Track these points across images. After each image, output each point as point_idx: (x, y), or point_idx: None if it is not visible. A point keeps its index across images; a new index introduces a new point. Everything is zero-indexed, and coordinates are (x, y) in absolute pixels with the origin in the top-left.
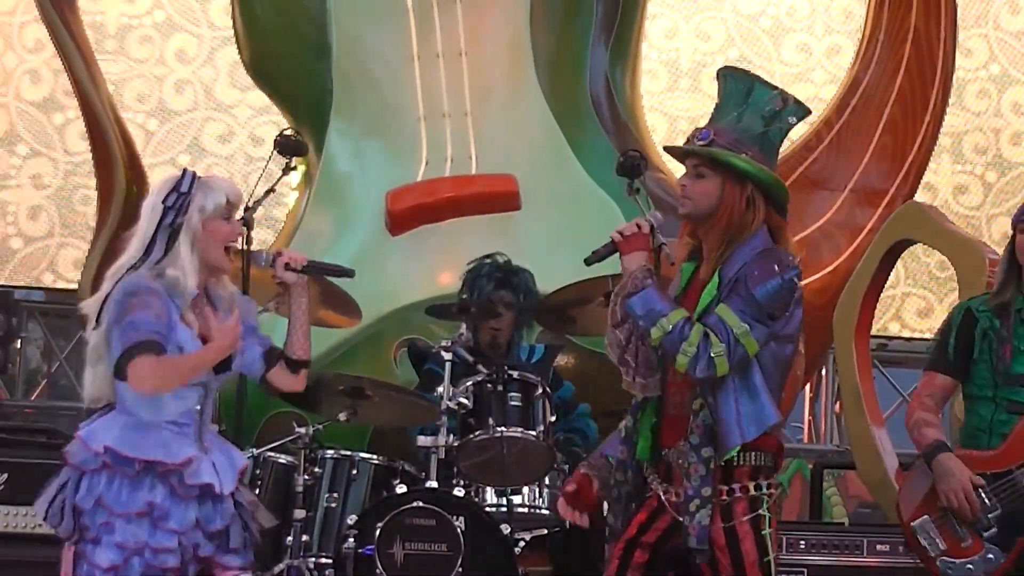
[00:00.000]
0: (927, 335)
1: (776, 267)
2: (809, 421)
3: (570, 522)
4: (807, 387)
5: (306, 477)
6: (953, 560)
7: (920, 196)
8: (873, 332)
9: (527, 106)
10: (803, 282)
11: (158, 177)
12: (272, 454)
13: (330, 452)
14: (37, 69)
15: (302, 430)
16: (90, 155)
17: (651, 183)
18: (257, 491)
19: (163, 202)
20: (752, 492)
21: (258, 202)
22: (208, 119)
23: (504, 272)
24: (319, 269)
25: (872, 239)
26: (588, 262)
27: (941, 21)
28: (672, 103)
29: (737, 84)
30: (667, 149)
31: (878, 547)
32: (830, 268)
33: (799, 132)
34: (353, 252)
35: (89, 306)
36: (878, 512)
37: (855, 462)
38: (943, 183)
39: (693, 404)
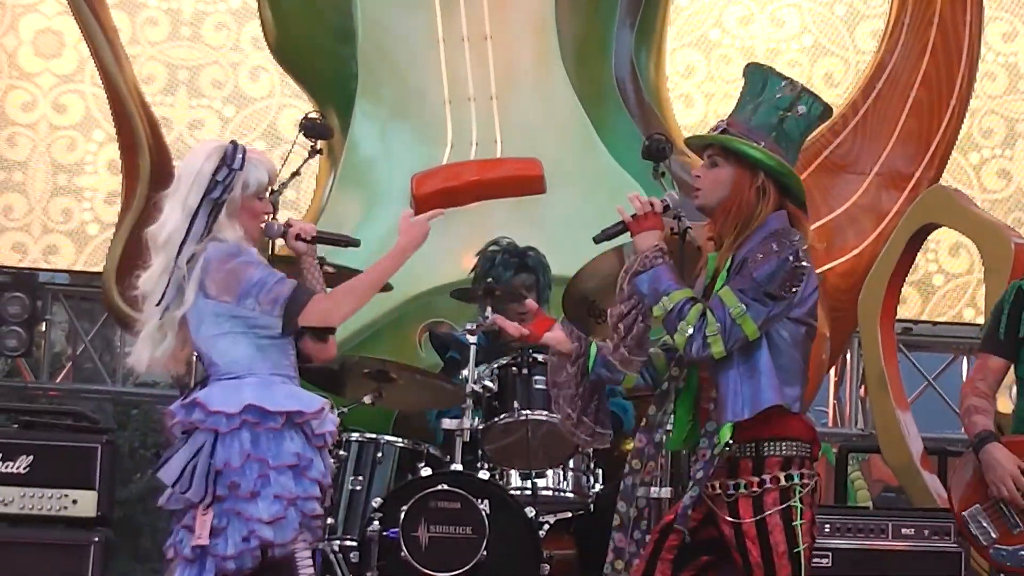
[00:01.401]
0: None
1: (775, 247)
2: (834, 405)
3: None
4: (832, 371)
5: (331, 460)
6: (1006, 548)
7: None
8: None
9: (553, 89)
10: (829, 265)
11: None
12: None
13: (355, 435)
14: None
15: None
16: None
17: (676, 166)
18: None
19: (213, 175)
20: (783, 483)
21: (284, 185)
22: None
23: (518, 255)
24: (327, 240)
25: (897, 223)
26: (597, 240)
27: (967, 5)
28: None
29: (754, 78)
30: (686, 142)
31: (903, 531)
32: (855, 252)
33: None
34: (378, 235)
35: (150, 282)
36: (902, 496)
37: (880, 446)
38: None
39: (712, 394)
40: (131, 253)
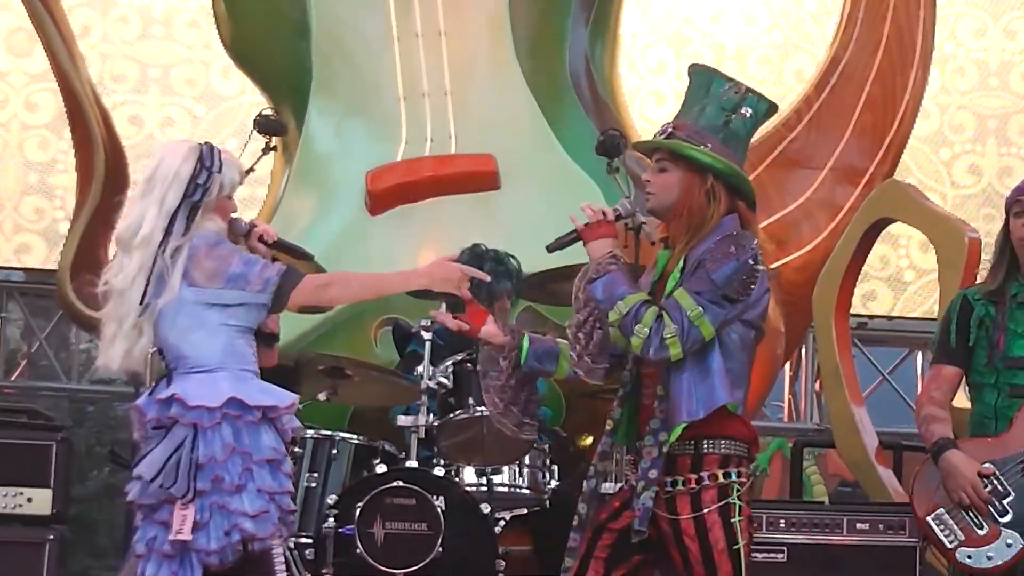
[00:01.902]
0: None
1: (733, 249)
2: (789, 400)
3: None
4: (787, 366)
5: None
6: (972, 549)
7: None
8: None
9: (507, 85)
10: (783, 260)
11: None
12: None
13: (310, 432)
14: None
15: None
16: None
17: (631, 162)
18: None
19: (193, 178)
20: (721, 480)
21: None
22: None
23: (502, 263)
24: (284, 247)
25: (852, 217)
26: (550, 249)
27: (920, 0)
28: None
29: (699, 79)
30: (634, 146)
31: (858, 526)
32: (810, 247)
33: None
34: (334, 232)
35: (126, 280)
36: (858, 490)
37: (834, 441)
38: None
39: (658, 391)
40: (85, 251)
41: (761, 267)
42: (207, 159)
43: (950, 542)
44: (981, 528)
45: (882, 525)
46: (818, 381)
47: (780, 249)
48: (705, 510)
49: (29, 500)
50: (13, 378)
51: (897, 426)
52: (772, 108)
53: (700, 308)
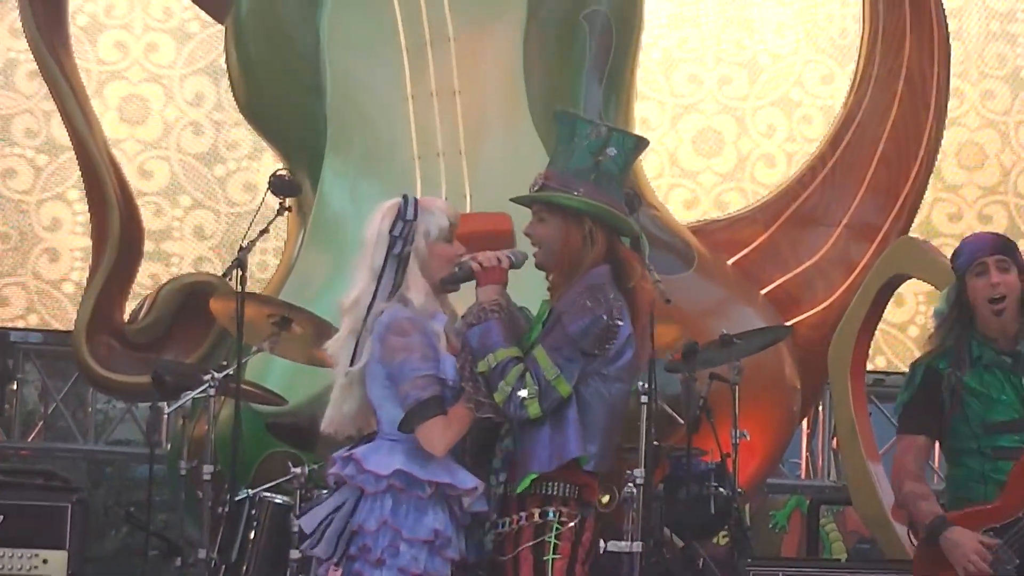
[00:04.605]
0: None
1: (589, 303)
2: (806, 457)
3: None
4: (804, 423)
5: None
6: None
7: None
8: None
9: (522, 144)
10: (799, 318)
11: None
12: (268, 494)
13: (326, 492)
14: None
15: (297, 470)
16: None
17: (645, 220)
18: (253, 532)
19: (390, 232)
20: (537, 519)
21: (252, 243)
22: None
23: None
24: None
25: (867, 275)
26: (444, 283)
27: (935, 57)
28: None
29: (563, 126)
30: (512, 200)
31: None
32: (825, 304)
33: (783, 167)
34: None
35: (336, 345)
36: (876, 547)
37: (851, 497)
38: None
39: (501, 430)
40: (101, 312)
41: (619, 322)
42: (403, 210)
43: None
44: None
45: None
46: (835, 438)
47: (795, 306)
48: (520, 548)
49: (45, 562)
50: (30, 439)
51: None
52: (641, 142)
53: (557, 369)
